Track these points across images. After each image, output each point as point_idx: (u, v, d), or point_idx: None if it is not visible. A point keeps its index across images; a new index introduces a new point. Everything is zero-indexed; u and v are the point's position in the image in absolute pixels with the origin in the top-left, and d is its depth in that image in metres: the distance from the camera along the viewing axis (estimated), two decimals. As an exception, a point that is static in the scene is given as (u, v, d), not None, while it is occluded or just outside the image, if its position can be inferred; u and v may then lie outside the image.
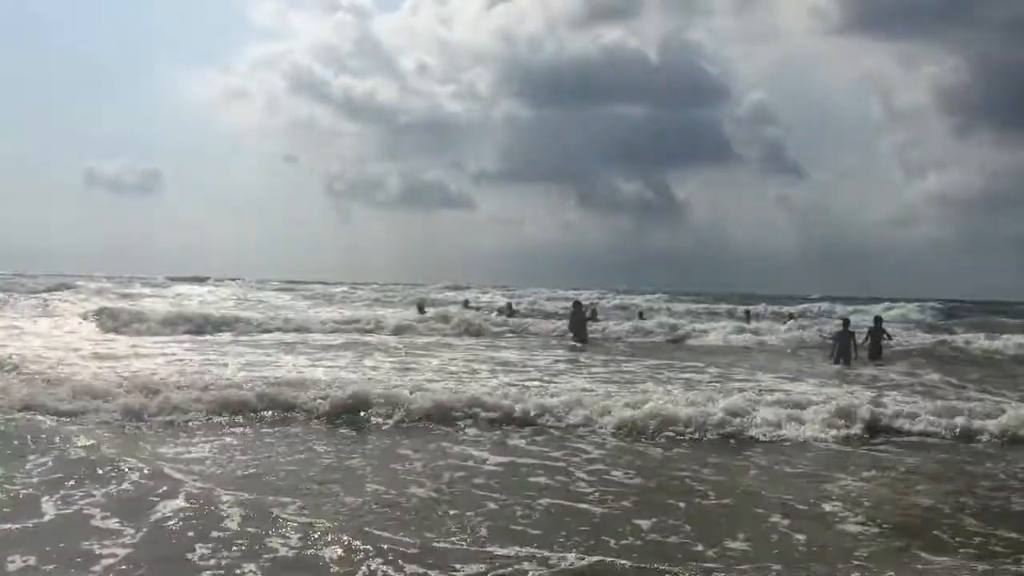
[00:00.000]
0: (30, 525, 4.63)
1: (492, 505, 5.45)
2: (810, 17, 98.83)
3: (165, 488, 5.29)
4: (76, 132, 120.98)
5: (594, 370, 13.29)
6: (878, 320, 17.18)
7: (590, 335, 19.39)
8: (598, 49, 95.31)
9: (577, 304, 20.75)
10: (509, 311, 27.26)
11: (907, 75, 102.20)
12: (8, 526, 4.58)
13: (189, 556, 4.24)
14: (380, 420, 8.14)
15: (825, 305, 39.63)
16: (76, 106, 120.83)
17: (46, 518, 4.77)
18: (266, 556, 4.26)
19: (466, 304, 30.77)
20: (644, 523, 5.16)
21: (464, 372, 12.39)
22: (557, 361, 14.53)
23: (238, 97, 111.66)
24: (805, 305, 37.98)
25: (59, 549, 4.27)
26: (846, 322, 16.69)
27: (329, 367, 12.30)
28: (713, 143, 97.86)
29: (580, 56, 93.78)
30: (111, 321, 19.33)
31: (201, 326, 19.43)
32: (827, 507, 5.76)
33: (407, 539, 4.57)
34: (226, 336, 18.02)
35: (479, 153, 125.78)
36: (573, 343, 18.19)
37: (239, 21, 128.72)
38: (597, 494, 5.86)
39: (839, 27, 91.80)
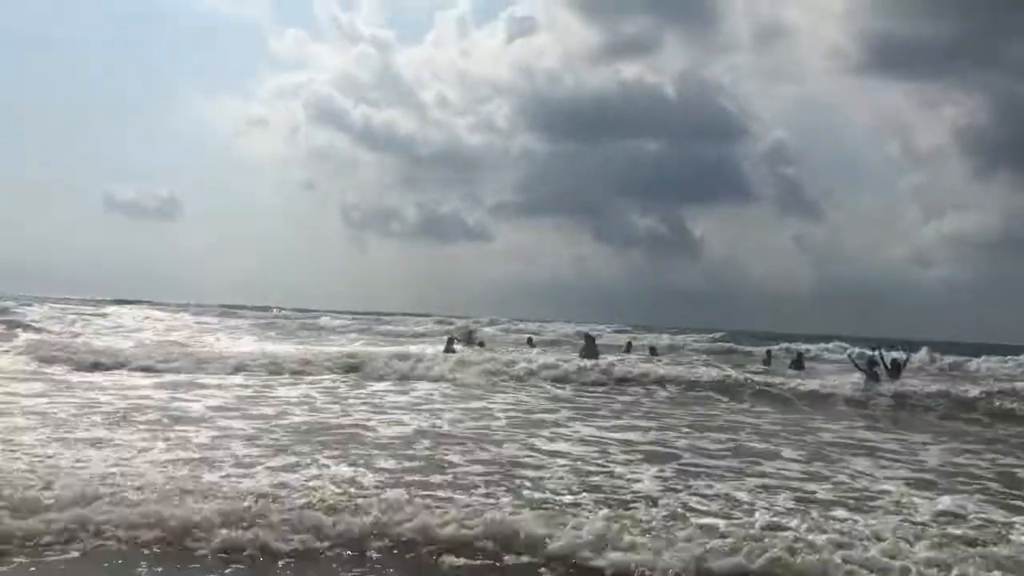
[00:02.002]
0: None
1: None
2: (830, 57, 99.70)
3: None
4: (97, 157, 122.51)
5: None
6: (895, 362, 19.13)
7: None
8: (616, 84, 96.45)
9: (588, 336, 23.86)
10: (529, 344, 27.99)
11: (926, 116, 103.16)
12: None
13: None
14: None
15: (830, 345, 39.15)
16: (98, 132, 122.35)
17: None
18: None
19: (450, 343, 24.46)
20: None
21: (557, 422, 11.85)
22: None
23: (258, 125, 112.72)
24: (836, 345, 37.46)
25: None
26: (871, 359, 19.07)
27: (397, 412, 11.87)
28: (730, 180, 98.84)
29: (598, 91, 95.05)
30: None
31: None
32: None
33: None
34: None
35: (496, 186, 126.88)
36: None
37: (261, 51, 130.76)
38: None
39: (859, 67, 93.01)
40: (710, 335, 44.50)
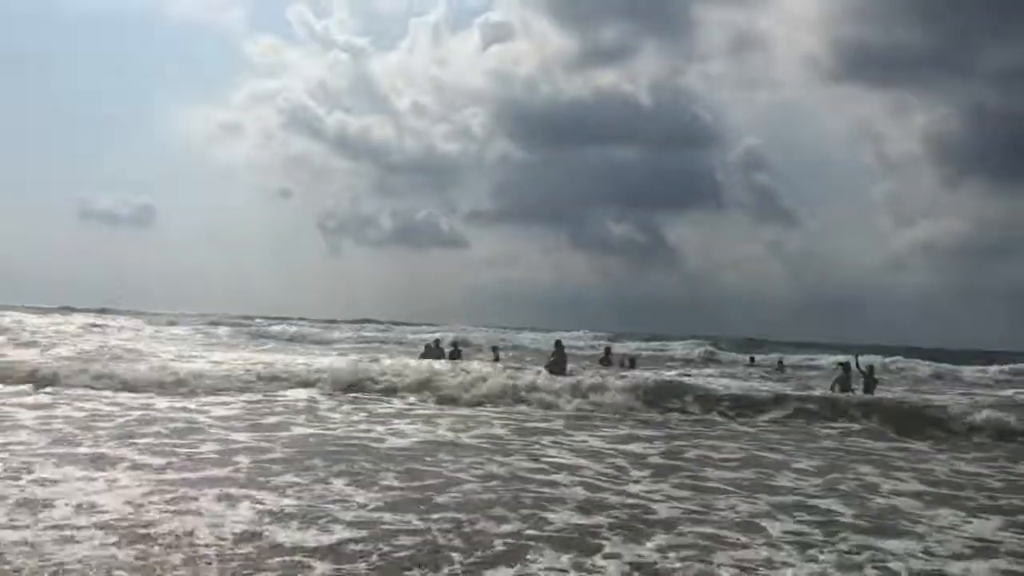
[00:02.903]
0: None
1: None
2: (803, 65, 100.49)
3: None
4: (70, 165, 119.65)
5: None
6: (870, 367, 19.87)
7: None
8: (592, 92, 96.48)
9: (558, 344, 22.01)
10: (495, 355, 25.28)
11: (899, 124, 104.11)
12: None
13: None
14: None
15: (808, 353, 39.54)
16: (71, 140, 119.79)
17: None
18: None
19: (436, 344, 24.41)
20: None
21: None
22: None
23: (233, 132, 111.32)
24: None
25: None
26: (847, 364, 19.03)
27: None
28: (705, 188, 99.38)
29: (574, 98, 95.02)
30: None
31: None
32: None
33: None
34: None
35: (472, 193, 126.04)
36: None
37: (236, 58, 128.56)
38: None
39: (832, 75, 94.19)
40: (684, 341, 44.64)
